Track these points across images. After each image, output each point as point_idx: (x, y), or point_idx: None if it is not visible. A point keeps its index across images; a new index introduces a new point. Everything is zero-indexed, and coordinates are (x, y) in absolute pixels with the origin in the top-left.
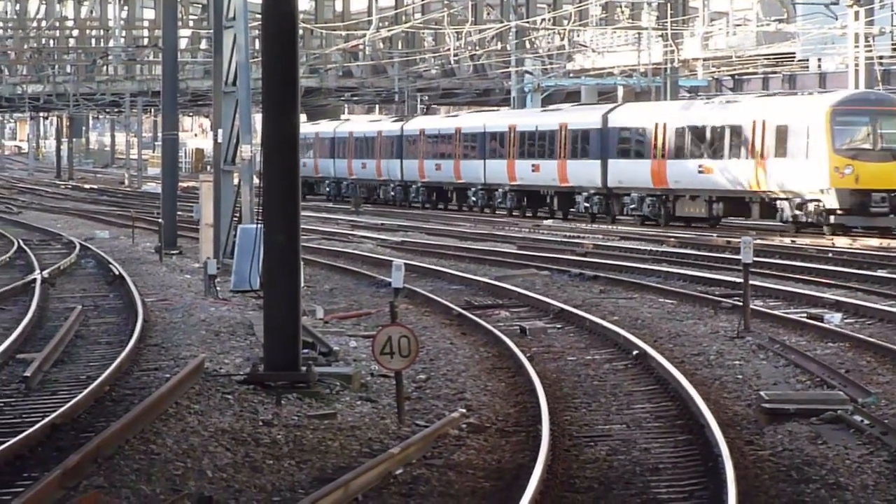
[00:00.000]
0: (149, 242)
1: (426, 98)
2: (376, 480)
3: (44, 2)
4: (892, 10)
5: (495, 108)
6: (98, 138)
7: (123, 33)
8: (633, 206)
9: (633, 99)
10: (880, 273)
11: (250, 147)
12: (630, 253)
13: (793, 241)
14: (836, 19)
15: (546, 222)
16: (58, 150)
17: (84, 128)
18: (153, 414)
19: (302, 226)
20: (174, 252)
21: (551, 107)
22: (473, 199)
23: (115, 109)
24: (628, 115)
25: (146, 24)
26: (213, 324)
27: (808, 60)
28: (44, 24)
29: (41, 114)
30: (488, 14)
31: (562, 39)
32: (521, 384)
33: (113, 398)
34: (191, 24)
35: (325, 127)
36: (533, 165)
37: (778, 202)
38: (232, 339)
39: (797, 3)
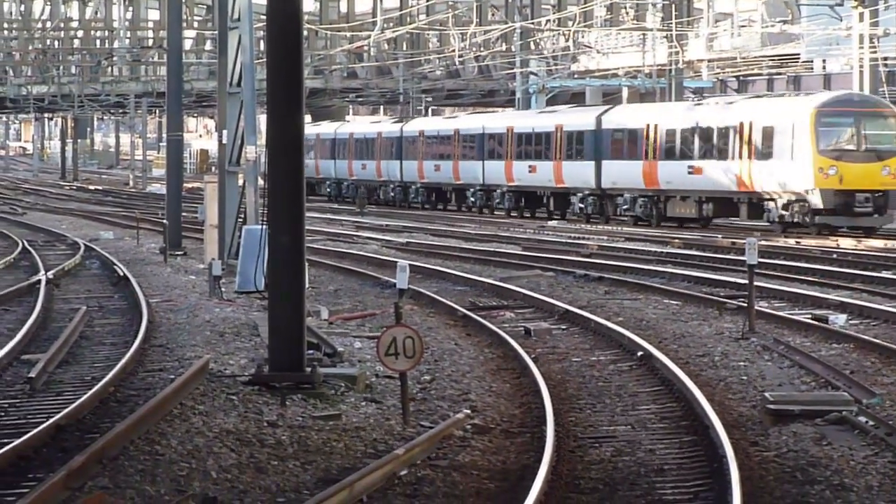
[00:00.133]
0: (153, 243)
1: (430, 99)
2: (381, 481)
3: (48, 3)
4: None
5: (495, 109)
6: (103, 139)
7: (128, 34)
8: (625, 206)
9: (638, 100)
10: (885, 274)
11: (255, 148)
12: (635, 254)
13: (797, 243)
14: (841, 20)
15: (550, 223)
16: (62, 150)
17: (89, 129)
18: (158, 415)
19: (306, 227)
20: (179, 253)
21: (547, 108)
22: (472, 199)
23: (120, 110)
24: (621, 117)
25: (151, 24)
26: (217, 325)
27: (812, 62)
28: (48, 25)
29: (46, 115)
30: (493, 15)
31: (566, 40)
32: (525, 385)
33: (118, 399)
34: (195, 24)
35: (326, 128)
36: (530, 166)
37: (765, 202)
38: (236, 339)
39: (802, 5)
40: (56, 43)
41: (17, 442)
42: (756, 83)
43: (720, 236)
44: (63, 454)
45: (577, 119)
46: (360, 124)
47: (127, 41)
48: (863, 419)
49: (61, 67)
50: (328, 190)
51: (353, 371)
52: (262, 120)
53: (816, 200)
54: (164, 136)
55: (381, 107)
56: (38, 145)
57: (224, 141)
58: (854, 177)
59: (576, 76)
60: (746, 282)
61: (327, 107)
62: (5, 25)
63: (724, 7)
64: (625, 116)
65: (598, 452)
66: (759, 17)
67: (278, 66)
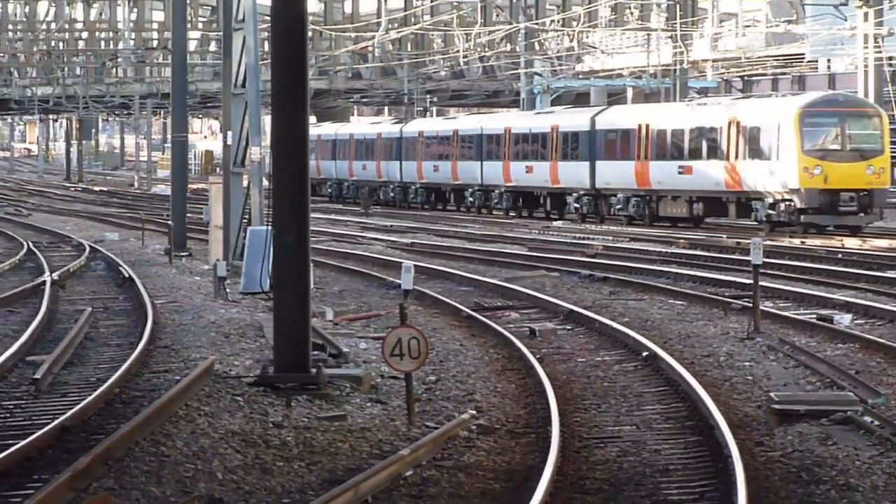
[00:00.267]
0: (158, 244)
1: (435, 100)
2: (386, 482)
3: (53, 4)
4: None
5: (499, 109)
6: (107, 140)
7: (133, 35)
8: (619, 206)
9: (643, 100)
10: (890, 274)
11: (260, 149)
12: (639, 254)
13: (802, 243)
14: (846, 20)
15: (555, 223)
16: (67, 152)
17: (94, 130)
18: (163, 416)
19: (311, 227)
20: (184, 254)
21: (544, 109)
22: (471, 199)
23: (125, 111)
24: (614, 118)
25: (155, 26)
26: (222, 326)
27: (817, 61)
28: (53, 26)
29: (51, 116)
30: (497, 15)
31: (571, 41)
32: (530, 386)
33: (123, 400)
34: (200, 26)
35: (327, 129)
36: (527, 167)
37: (753, 202)
38: (242, 340)
39: (806, 5)
40: (61, 44)
41: (22, 443)
42: (761, 83)
43: (725, 236)
44: (68, 455)
45: (572, 120)
46: (360, 125)
47: (132, 42)
48: (868, 419)
49: (66, 69)
50: (329, 190)
51: (359, 372)
52: (267, 121)
53: (802, 200)
54: (169, 137)
55: (386, 107)
56: (43, 147)
57: (229, 142)
58: (839, 176)
59: (580, 77)
60: (751, 282)
61: (332, 107)
62: (10, 27)
63: (729, 7)
64: (617, 117)
65: (604, 453)
66: (764, 17)
67: (283, 67)
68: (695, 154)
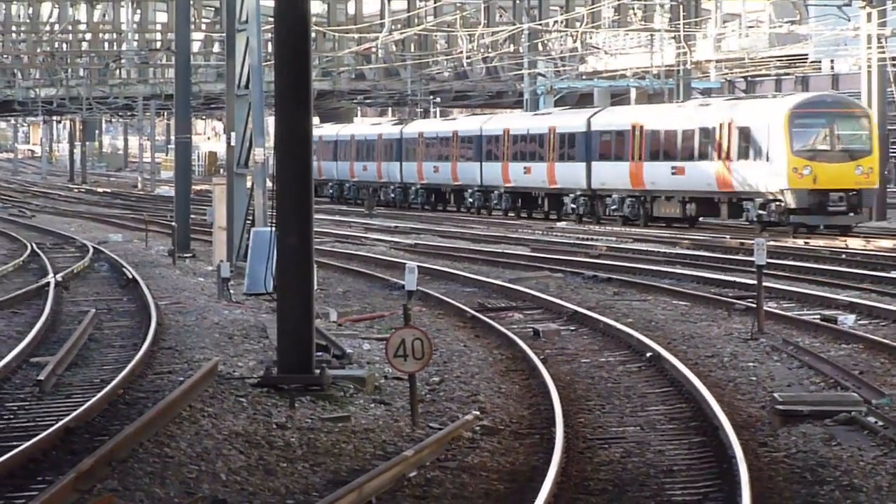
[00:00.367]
0: (162, 246)
1: (438, 100)
2: (390, 483)
3: (57, 5)
4: None
5: (503, 110)
6: (111, 142)
7: (136, 37)
8: (614, 207)
9: (647, 101)
10: (894, 274)
11: (263, 150)
12: (643, 255)
13: (806, 243)
14: (849, 21)
15: (559, 224)
16: (71, 153)
17: (97, 131)
18: (167, 417)
19: (315, 228)
20: (187, 255)
21: (542, 110)
22: (470, 200)
23: (128, 113)
24: (609, 119)
25: (159, 27)
26: (226, 327)
27: (820, 62)
28: (56, 27)
29: (54, 117)
30: (501, 16)
31: (574, 41)
32: (534, 386)
33: (126, 401)
34: (203, 27)
35: (328, 130)
36: (525, 168)
37: (744, 202)
38: (245, 342)
39: (809, 5)
40: (64, 45)
41: (26, 445)
42: (764, 84)
43: (728, 237)
44: (72, 457)
45: (569, 121)
46: (361, 126)
47: (135, 43)
48: (872, 419)
49: (69, 70)
50: (331, 191)
51: (362, 373)
52: (271, 122)
53: (791, 200)
54: (173, 138)
55: (390, 109)
56: (47, 148)
57: (232, 143)
58: (828, 176)
59: (584, 77)
60: (755, 282)
61: (335, 109)
62: (13, 28)
63: (732, 8)
64: (612, 118)
65: (608, 453)
66: (767, 18)
67: (286, 68)
68: (687, 155)
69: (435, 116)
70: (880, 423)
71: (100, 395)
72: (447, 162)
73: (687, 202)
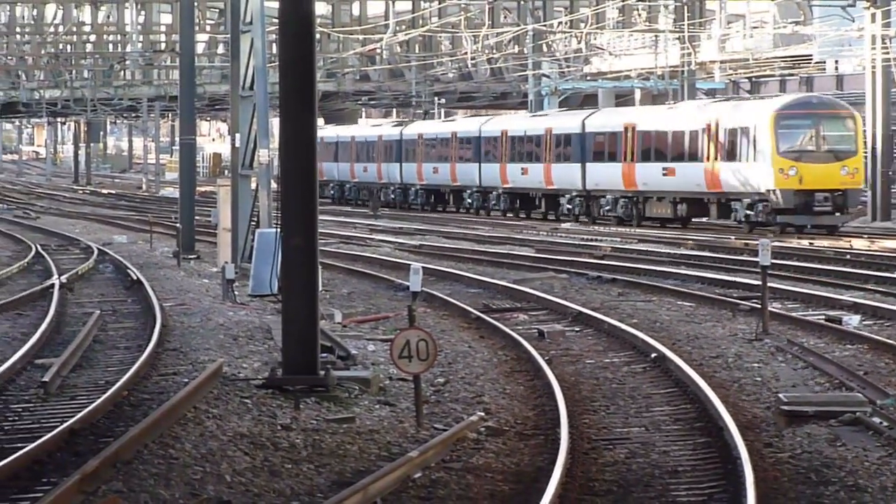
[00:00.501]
0: (167, 247)
1: (443, 101)
2: (395, 484)
3: (61, 7)
4: None
5: (507, 111)
6: (116, 143)
7: (140, 38)
8: (607, 207)
9: (651, 102)
10: None
11: (268, 151)
12: (648, 256)
13: (811, 244)
14: (853, 21)
15: (563, 225)
16: (75, 155)
17: (102, 133)
18: (172, 418)
19: (319, 229)
20: (192, 257)
21: (539, 112)
22: (469, 201)
23: (133, 114)
24: (602, 120)
25: (163, 28)
26: (231, 328)
27: (825, 62)
28: (61, 29)
29: (59, 119)
30: (505, 17)
31: (579, 42)
32: (539, 387)
33: (131, 403)
34: (208, 28)
35: (329, 132)
36: (522, 169)
37: (732, 202)
38: (250, 343)
39: (814, 6)
40: (68, 47)
41: (31, 446)
42: (768, 84)
43: (733, 237)
44: (77, 458)
45: (565, 122)
46: (361, 128)
47: (139, 45)
48: (877, 420)
49: (74, 71)
50: (331, 192)
51: (367, 374)
52: (275, 123)
53: (777, 200)
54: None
55: (394, 110)
56: (51, 149)
57: (237, 144)
58: (813, 177)
59: (588, 78)
60: (760, 283)
61: (340, 110)
62: (18, 30)
63: (736, 8)
64: (606, 120)
65: (613, 454)
66: (772, 19)
67: (291, 70)
68: (677, 156)
69: (440, 117)
70: (885, 423)
71: (104, 396)
72: (446, 163)
73: (678, 203)
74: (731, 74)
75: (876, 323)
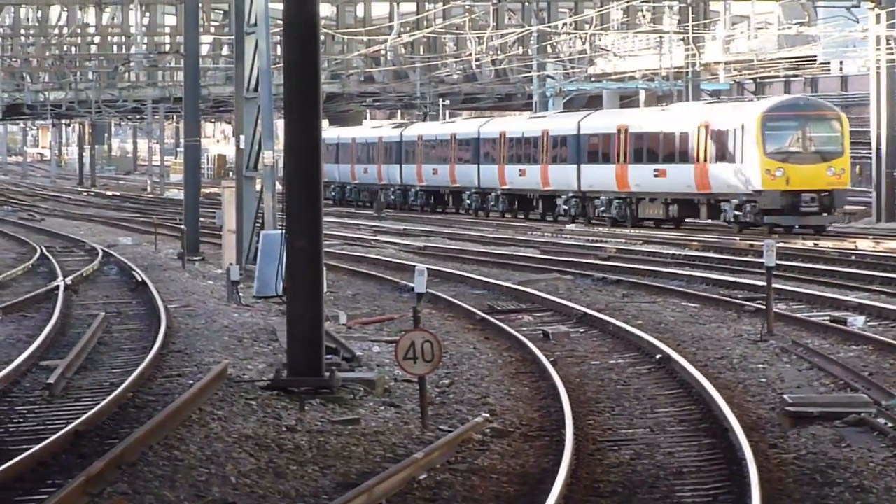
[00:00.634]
0: (171, 249)
1: (447, 103)
2: (400, 486)
3: (65, 9)
4: None
5: (511, 112)
6: (120, 145)
7: (145, 40)
8: (602, 208)
9: (655, 103)
10: None
11: (272, 153)
12: (652, 257)
13: (815, 245)
14: (858, 22)
15: (568, 226)
16: (80, 156)
17: (106, 134)
18: (176, 420)
19: (324, 231)
20: (197, 258)
21: (537, 114)
22: (468, 202)
23: (137, 116)
24: (597, 122)
25: (168, 30)
26: (236, 330)
27: (829, 63)
28: (65, 31)
29: (63, 121)
30: (510, 19)
31: (583, 43)
32: (544, 388)
33: (136, 404)
34: (212, 30)
35: (330, 133)
36: (520, 170)
37: (721, 203)
38: (255, 344)
39: (818, 7)
40: (73, 49)
41: (36, 448)
42: (773, 85)
43: (738, 238)
44: (82, 460)
45: (561, 124)
46: (362, 129)
47: (144, 47)
48: (882, 421)
49: (78, 73)
50: (333, 193)
51: (372, 375)
52: (280, 125)
53: (764, 201)
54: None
55: (399, 111)
56: (56, 151)
57: (241, 146)
58: (800, 178)
59: (593, 79)
60: (764, 284)
61: (344, 111)
62: (22, 31)
63: (741, 9)
64: (600, 122)
65: (617, 455)
66: (776, 20)
67: (295, 71)
68: (668, 157)
69: (444, 119)
70: (890, 424)
71: (109, 398)
72: (446, 164)
73: (669, 204)
74: (736, 76)
75: (881, 324)
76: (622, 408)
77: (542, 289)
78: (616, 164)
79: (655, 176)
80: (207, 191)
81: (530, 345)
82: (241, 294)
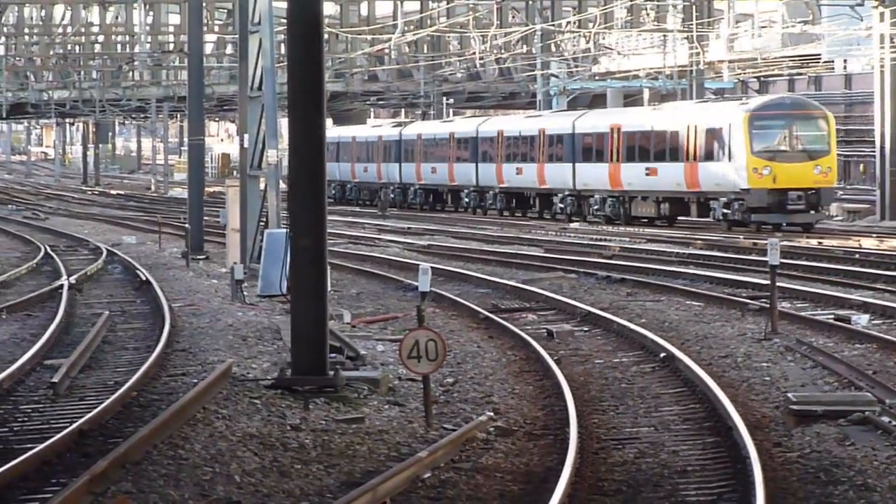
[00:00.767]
0: (175, 248)
1: (451, 101)
2: (404, 484)
3: (69, 8)
4: None
5: (515, 111)
6: (124, 144)
7: (149, 39)
8: (596, 206)
9: (659, 101)
10: None
11: (276, 152)
12: (656, 255)
13: (819, 243)
14: (862, 20)
15: (572, 225)
16: (84, 155)
17: (110, 133)
18: (181, 419)
19: (328, 230)
20: (201, 257)
21: (534, 113)
22: (466, 200)
23: (142, 115)
24: (591, 121)
25: (172, 29)
26: (240, 329)
27: (833, 62)
28: (69, 30)
29: (67, 120)
30: (513, 17)
31: (587, 42)
32: (548, 387)
33: (140, 403)
34: (216, 29)
35: (331, 132)
36: (517, 168)
37: (710, 202)
38: (259, 343)
39: (822, 5)
40: (77, 48)
41: (40, 447)
42: (777, 84)
43: (742, 237)
44: (86, 459)
45: (557, 123)
46: (361, 129)
47: (148, 45)
48: (886, 419)
49: (82, 72)
50: (333, 192)
51: (376, 374)
52: (284, 123)
53: (752, 199)
54: (186, 140)
55: (403, 110)
56: (60, 150)
57: (245, 145)
58: (787, 176)
59: (596, 78)
60: (768, 282)
61: (348, 110)
62: (26, 30)
63: (745, 8)
64: (594, 121)
65: (622, 454)
66: (780, 18)
67: (299, 70)
68: (659, 156)
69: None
70: (894, 422)
71: (113, 397)
72: (444, 163)
73: (661, 202)
74: (740, 74)
75: (885, 322)
76: (626, 406)
77: (546, 287)
78: (609, 162)
79: (647, 175)
80: (211, 190)
81: (534, 343)
82: (245, 293)
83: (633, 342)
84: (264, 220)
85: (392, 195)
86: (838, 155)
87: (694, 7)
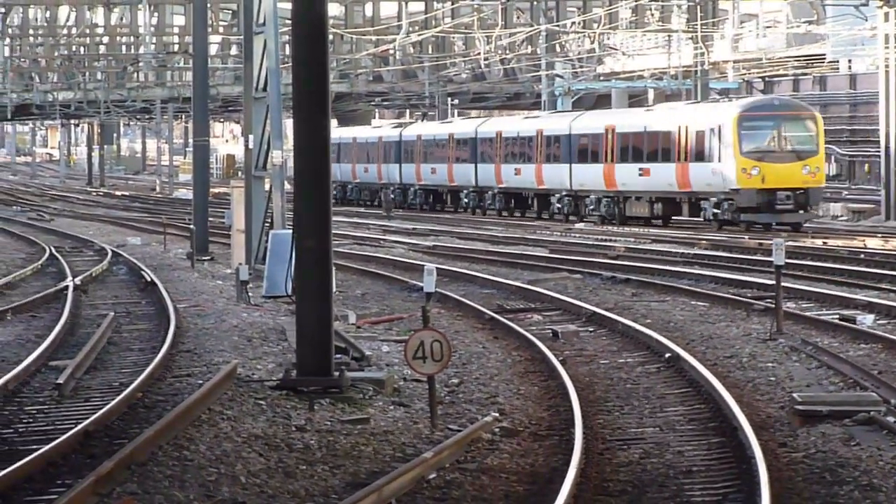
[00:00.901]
0: (180, 249)
1: (456, 102)
2: (410, 485)
3: (74, 9)
4: None
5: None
6: (129, 145)
7: (154, 40)
8: (591, 207)
9: (664, 101)
10: None
11: (281, 153)
12: (661, 256)
13: (824, 243)
14: (866, 20)
15: (577, 225)
16: (89, 157)
17: (115, 134)
18: (186, 420)
19: (333, 230)
20: (206, 258)
21: (532, 114)
22: (465, 200)
23: (146, 116)
24: (587, 122)
25: (176, 30)
26: (245, 330)
27: (838, 62)
28: (74, 31)
29: (72, 121)
30: (518, 18)
31: (592, 42)
32: (553, 388)
33: (146, 404)
34: (221, 30)
35: (332, 133)
36: (515, 169)
37: (701, 202)
38: (264, 344)
39: (827, 5)
40: (82, 49)
41: (45, 448)
42: (782, 84)
43: (746, 237)
44: (91, 460)
45: (554, 124)
46: (362, 129)
47: (153, 47)
48: (891, 419)
49: (87, 73)
50: (334, 193)
51: (381, 375)
52: (289, 124)
53: (741, 199)
54: (191, 141)
55: (407, 110)
56: (65, 151)
57: (250, 146)
58: (776, 176)
59: (601, 78)
60: (773, 283)
61: (353, 111)
62: (31, 32)
63: (750, 8)
64: (589, 122)
65: (627, 455)
66: (785, 18)
67: (304, 71)
68: (651, 157)
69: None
70: None
71: (119, 398)
72: (444, 164)
73: (654, 202)
74: (745, 74)
75: (890, 322)
76: (631, 407)
77: (551, 288)
78: (604, 163)
79: (640, 175)
80: (216, 191)
81: (539, 344)
82: (250, 294)
83: (638, 342)
84: (269, 220)
85: (392, 196)
86: (843, 155)
87: (698, 7)
